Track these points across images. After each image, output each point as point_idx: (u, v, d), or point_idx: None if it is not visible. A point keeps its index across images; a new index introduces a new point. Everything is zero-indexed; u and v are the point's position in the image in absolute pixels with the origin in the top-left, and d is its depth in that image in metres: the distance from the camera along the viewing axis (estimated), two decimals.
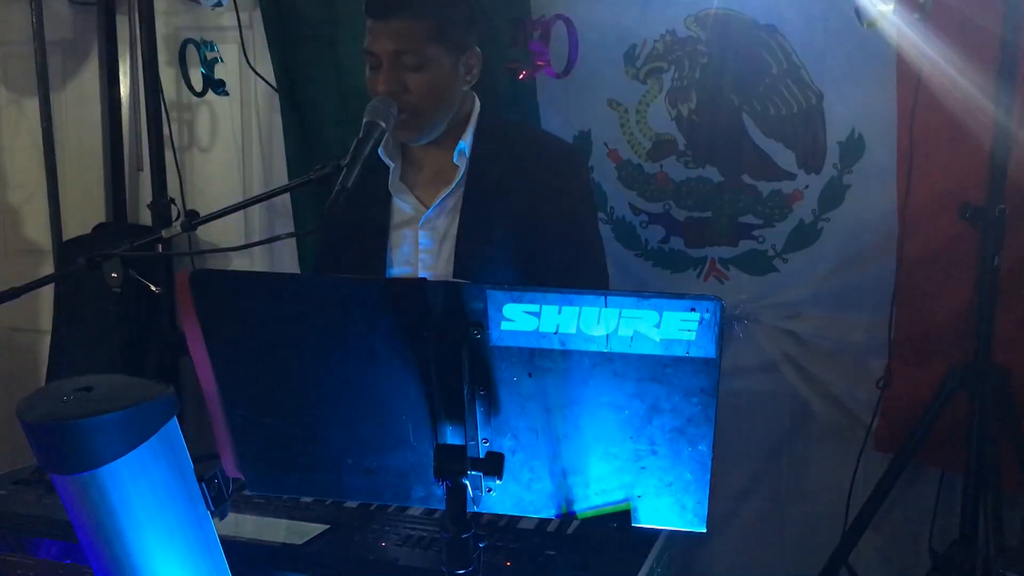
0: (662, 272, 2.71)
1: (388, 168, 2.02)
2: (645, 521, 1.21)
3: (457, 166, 1.97)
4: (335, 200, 1.61)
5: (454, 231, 1.97)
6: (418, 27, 1.86)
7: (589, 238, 2.05)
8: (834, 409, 2.64)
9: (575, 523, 1.56)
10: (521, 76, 2.55)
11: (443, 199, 1.99)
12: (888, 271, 2.49)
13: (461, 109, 1.99)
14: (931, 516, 2.39)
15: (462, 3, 1.95)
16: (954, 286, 2.42)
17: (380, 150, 1.99)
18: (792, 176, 2.57)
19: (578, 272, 1.98)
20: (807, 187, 2.56)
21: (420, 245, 2.01)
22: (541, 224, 1.95)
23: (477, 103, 2.02)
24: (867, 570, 2.56)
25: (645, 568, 1.45)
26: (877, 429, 2.54)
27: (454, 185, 1.98)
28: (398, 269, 2.03)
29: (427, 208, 2.00)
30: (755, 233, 2.63)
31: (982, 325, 2.25)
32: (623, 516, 1.21)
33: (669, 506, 1.19)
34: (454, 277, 1.94)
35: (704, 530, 1.19)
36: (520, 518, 1.59)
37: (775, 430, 2.73)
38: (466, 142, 1.98)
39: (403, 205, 2.03)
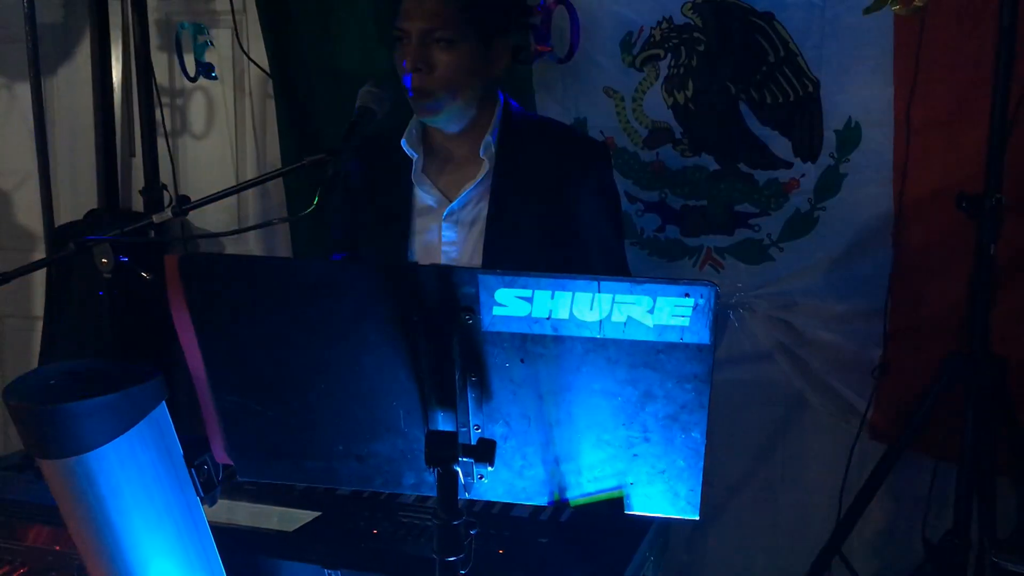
0: (658, 261, 2.70)
1: (411, 159, 1.99)
2: (638, 508, 1.20)
3: (483, 160, 1.96)
4: (329, 185, 1.60)
5: (480, 224, 1.96)
6: (451, 6, 1.83)
7: (613, 232, 2.05)
8: (829, 398, 2.63)
9: (568, 511, 1.55)
10: (523, 61, 2.52)
11: (468, 192, 1.97)
12: (884, 260, 2.48)
13: (486, 101, 1.97)
14: (925, 506, 2.38)
15: None
16: (950, 275, 2.41)
17: (403, 141, 1.98)
18: (789, 165, 2.56)
19: (602, 266, 1.98)
20: (803, 176, 2.55)
21: (444, 238, 1.99)
22: (567, 218, 1.94)
23: (502, 97, 2.00)
24: (860, 560, 2.56)
25: (638, 556, 1.45)
26: (872, 419, 2.54)
27: (480, 179, 1.96)
28: (421, 261, 2.02)
29: (451, 201, 1.98)
30: (751, 222, 2.61)
31: (978, 315, 2.24)
32: (616, 503, 1.20)
33: (662, 493, 1.18)
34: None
35: (697, 517, 1.19)
36: (513, 505, 1.58)
37: (770, 419, 2.72)
38: (492, 136, 1.95)
39: (426, 197, 2.01)
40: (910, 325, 2.50)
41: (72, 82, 3.16)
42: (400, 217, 2.01)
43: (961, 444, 2.25)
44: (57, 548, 1.55)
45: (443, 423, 1.18)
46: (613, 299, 1.08)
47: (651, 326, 1.08)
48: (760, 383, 2.68)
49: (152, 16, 2.93)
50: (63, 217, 3.15)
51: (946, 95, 2.36)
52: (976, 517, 2.25)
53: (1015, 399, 2.26)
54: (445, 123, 1.95)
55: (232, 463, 1.28)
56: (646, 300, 1.07)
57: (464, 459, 1.18)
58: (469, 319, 1.11)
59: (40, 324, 3.15)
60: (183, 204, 1.87)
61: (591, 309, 1.08)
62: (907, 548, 2.54)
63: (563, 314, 1.09)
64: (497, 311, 1.10)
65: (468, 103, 1.93)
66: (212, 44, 2.86)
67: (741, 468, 2.73)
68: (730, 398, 2.63)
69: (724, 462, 2.68)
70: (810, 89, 2.50)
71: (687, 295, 1.06)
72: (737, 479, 2.74)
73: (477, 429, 1.18)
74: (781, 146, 2.55)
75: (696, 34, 2.54)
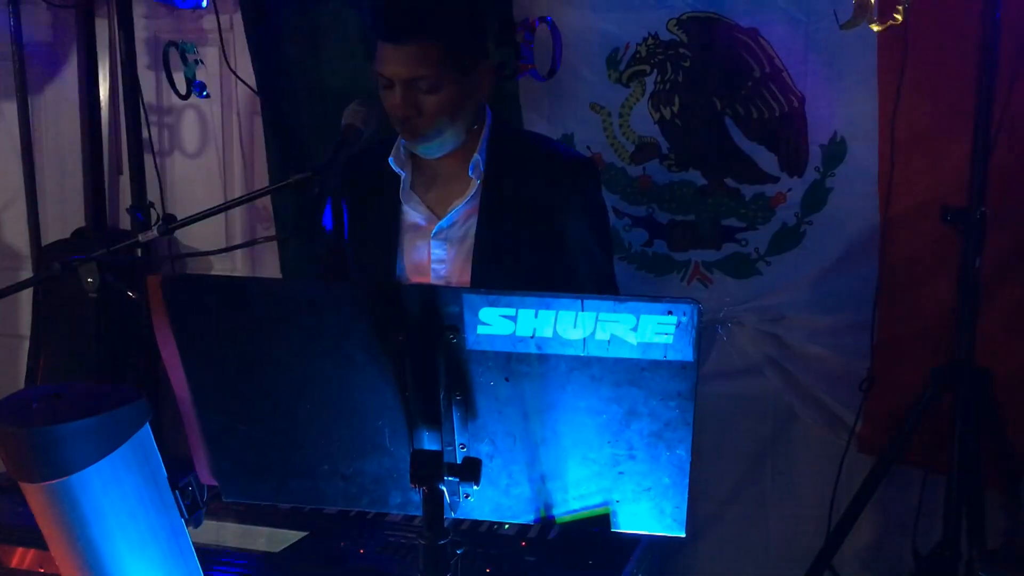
0: (646, 276, 2.71)
1: (398, 176, 1.99)
2: (624, 526, 1.20)
3: (472, 178, 1.95)
4: (313, 203, 1.60)
5: (468, 242, 1.96)
6: (430, 51, 1.81)
7: (602, 249, 2.05)
8: (818, 412, 2.64)
9: (555, 528, 1.55)
10: (507, 77, 2.54)
11: (457, 210, 1.96)
12: (870, 273, 2.49)
13: (474, 121, 1.96)
14: (914, 518, 2.39)
15: (474, 17, 1.90)
16: (936, 288, 2.42)
17: (391, 159, 1.97)
18: (775, 179, 2.57)
19: (590, 283, 1.98)
20: (790, 190, 2.56)
21: (433, 256, 1.98)
22: (556, 235, 1.94)
23: (489, 113, 2.00)
24: (851, 572, 2.57)
25: (627, 573, 1.44)
26: (860, 431, 2.54)
27: (469, 197, 1.95)
28: (410, 279, 2.01)
29: (439, 218, 1.98)
30: (738, 236, 2.62)
31: (964, 327, 2.26)
32: (602, 521, 1.20)
33: (648, 511, 1.18)
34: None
35: (683, 535, 1.19)
36: (501, 523, 1.58)
37: (759, 433, 2.72)
38: (480, 154, 1.95)
39: (414, 215, 2.00)
40: (897, 337, 2.51)
41: (59, 100, 3.15)
42: (388, 235, 2.01)
43: (949, 456, 2.26)
44: (42, 571, 1.54)
45: (428, 442, 1.18)
46: (596, 317, 1.08)
47: (635, 344, 1.08)
48: (749, 397, 2.68)
49: (139, 34, 2.93)
50: (50, 236, 3.14)
51: (930, 109, 2.38)
52: (965, 529, 2.25)
53: (1002, 410, 2.27)
54: (437, 151, 1.95)
55: (217, 484, 1.28)
56: (629, 318, 1.07)
57: (450, 478, 1.18)
58: (453, 338, 1.11)
59: (26, 343, 3.13)
60: (170, 222, 1.86)
61: (575, 327, 1.09)
62: (897, 560, 2.54)
63: (547, 332, 1.09)
64: (481, 330, 1.11)
65: (459, 130, 1.93)
66: (203, 63, 2.86)
67: (731, 482, 2.73)
68: (719, 412, 2.63)
69: (714, 476, 2.68)
70: (795, 104, 2.52)
71: (670, 312, 1.06)
72: (727, 493, 2.73)
73: (463, 448, 1.18)
74: (767, 161, 2.57)
75: (682, 50, 2.56)
